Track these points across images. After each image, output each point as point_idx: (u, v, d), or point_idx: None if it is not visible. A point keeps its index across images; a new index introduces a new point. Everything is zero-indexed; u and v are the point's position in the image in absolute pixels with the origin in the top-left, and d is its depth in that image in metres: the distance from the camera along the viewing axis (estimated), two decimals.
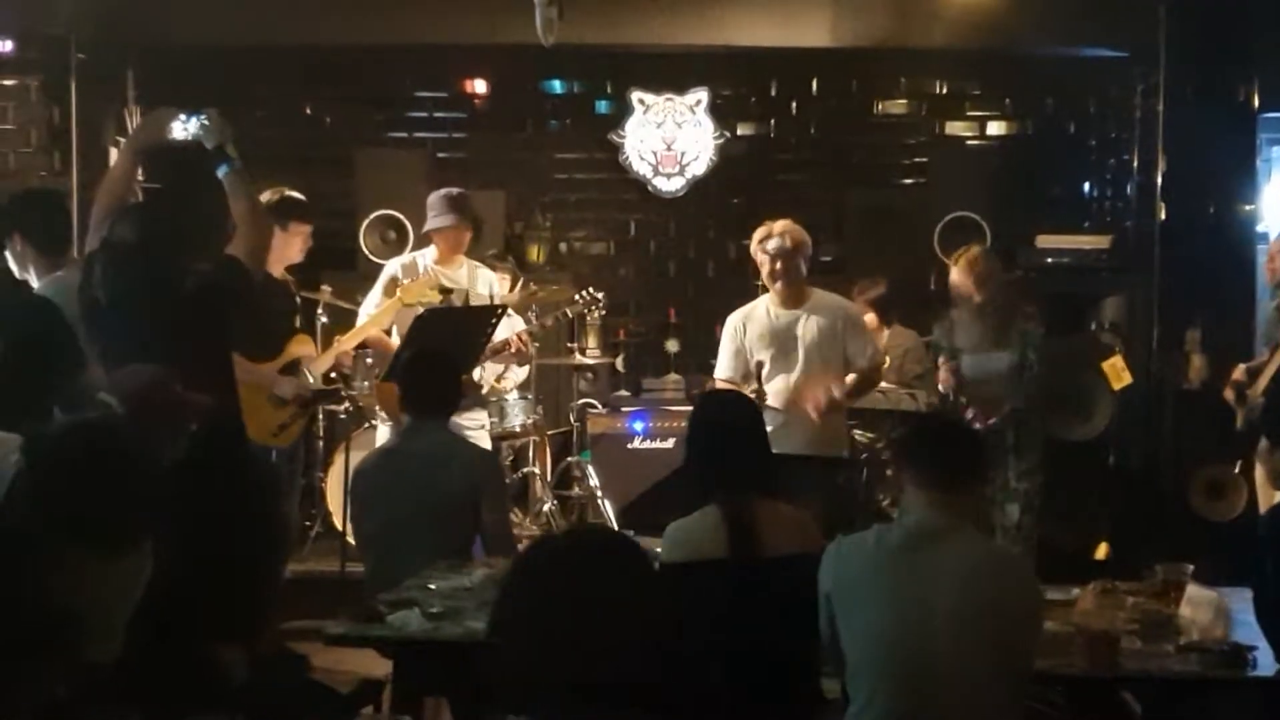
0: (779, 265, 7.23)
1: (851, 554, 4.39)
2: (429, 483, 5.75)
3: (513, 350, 8.14)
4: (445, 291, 7.79)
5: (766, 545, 4.58)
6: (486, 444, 8.04)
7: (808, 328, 7.23)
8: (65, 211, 7.11)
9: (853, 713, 4.30)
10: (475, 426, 7.94)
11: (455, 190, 8.05)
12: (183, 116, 5.84)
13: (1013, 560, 4.43)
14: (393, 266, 8.09)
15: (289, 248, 7.62)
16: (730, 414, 4.98)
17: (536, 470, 9.06)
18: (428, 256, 8.04)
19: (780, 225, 7.36)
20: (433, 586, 5.13)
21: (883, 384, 8.84)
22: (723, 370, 7.41)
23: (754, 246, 7.39)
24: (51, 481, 3.68)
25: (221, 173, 5.76)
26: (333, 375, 8.08)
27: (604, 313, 8.75)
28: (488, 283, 8.12)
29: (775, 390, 7.17)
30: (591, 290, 8.70)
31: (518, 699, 2.51)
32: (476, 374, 8.04)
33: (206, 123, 5.79)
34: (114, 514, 3.71)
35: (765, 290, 7.43)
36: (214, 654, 4.59)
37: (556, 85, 11.06)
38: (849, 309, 7.51)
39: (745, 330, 7.34)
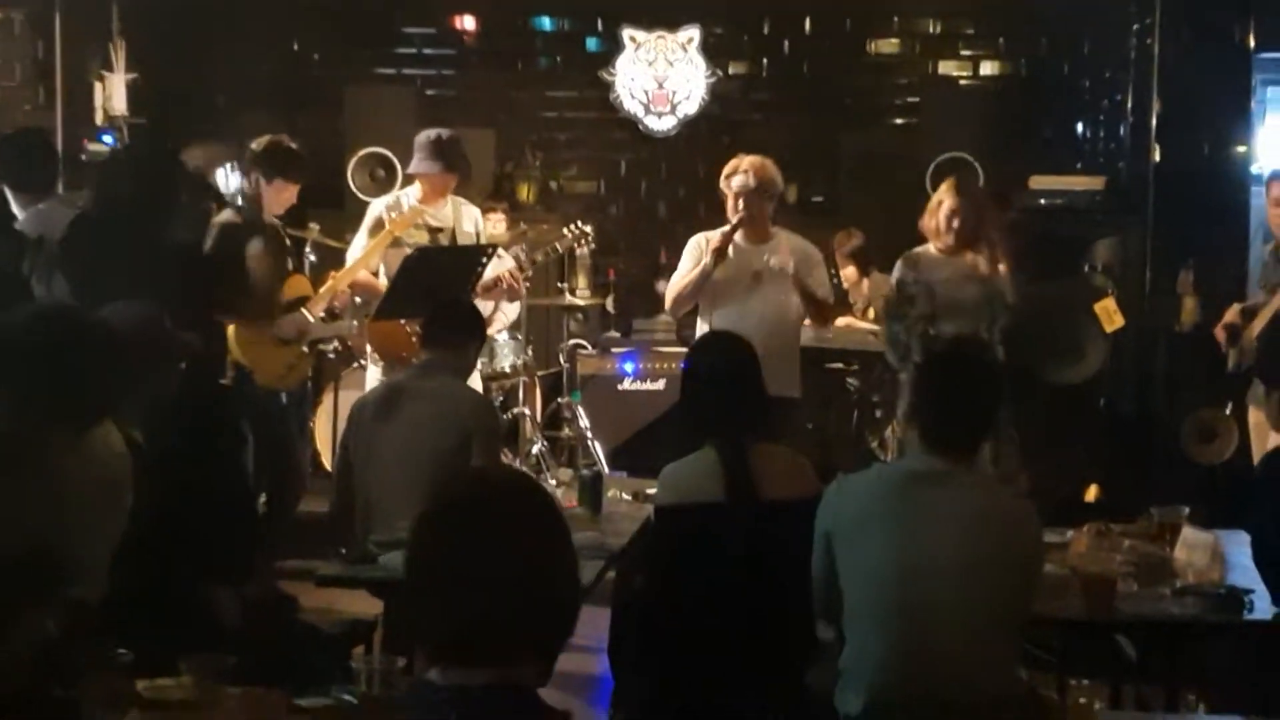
0: (741, 204, 7.18)
1: (854, 493, 4.35)
2: (423, 423, 5.70)
3: (504, 287, 8.07)
4: (434, 231, 7.73)
5: (763, 488, 4.54)
6: (478, 385, 8.01)
7: (768, 264, 7.19)
8: (47, 149, 7.10)
9: (848, 654, 4.27)
10: None
11: (444, 133, 7.89)
12: None
13: (1019, 507, 4.35)
14: (377, 207, 8.00)
15: (274, 201, 7.54)
16: (726, 356, 4.93)
17: (526, 411, 9.01)
18: (411, 196, 7.96)
19: (748, 162, 7.28)
20: None
21: (873, 326, 8.83)
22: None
23: (721, 181, 7.32)
24: (16, 360, 3.84)
25: None
26: (322, 316, 8.01)
27: (593, 247, 8.64)
28: (473, 220, 8.05)
29: (728, 324, 7.07)
30: (580, 224, 8.60)
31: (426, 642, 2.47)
32: None
33: None
34: (78, 387, 3.88)
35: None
36: (206, 595, 4.56)
37: (546, 22, 10.96)
38: (809, 249, 7.41)
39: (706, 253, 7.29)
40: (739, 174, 7.21)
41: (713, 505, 4.52)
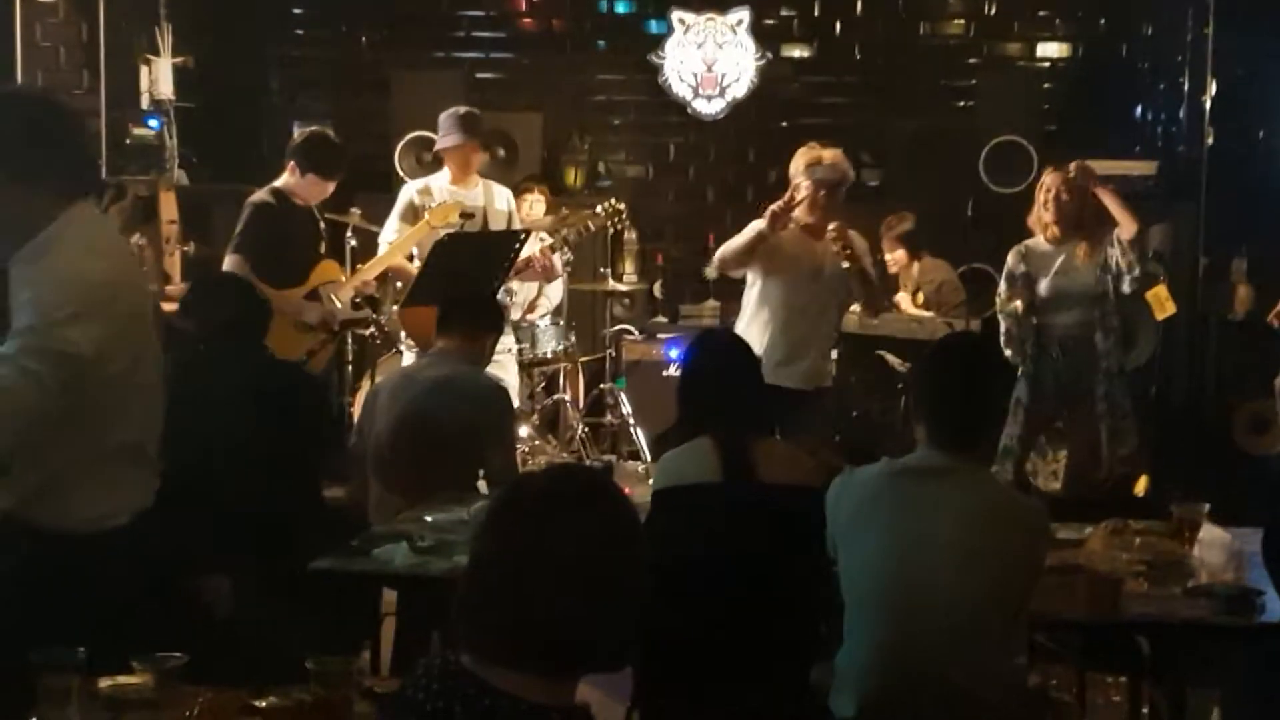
0: (821, 195, 6.81)
1: (855, 486, 4.25)
2: (432, 411, 5.65)
3: (537, 268, 8.00)
4: (467, 216, 7.68)
5: (760, 473, 4.43)
6: (512, 370, 7.95)
7: (827, 257, 6.88)
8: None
9: (843, 654, 4.17)
10: (501, 350, 7.84)
11: (463, 109, 7.93)
12: None
13: (1024, 506, 4.22)
14: (408, 191, 8.00)
15: (308, 193, 7.52)
16: (724, 352, 4.82)
17: (567, 397, 8.95)
18: (442, 179, 7.94)
19: (830, 154, 6.90)
20: (429, 519, 5.02)
21: (919, 313, 8.70)
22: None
23: (799, 166, 6.83)
24: None
25: None
26: (358, 300, 7.98)
27: (626, 224, 8.50)
28: (505, 199, 8.02)
29: (781, 300, 6.82)
30: (614, 201, 8.48)
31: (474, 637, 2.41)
32: (502, 298, 7.95)
33: None
34: None
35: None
36: (196, 585, 4.51)
37: (599, 5, 10.89)
38: (862, 240, 7.17)
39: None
40: (823, 166, 6.84)
41: (708, 485, 4.41)
